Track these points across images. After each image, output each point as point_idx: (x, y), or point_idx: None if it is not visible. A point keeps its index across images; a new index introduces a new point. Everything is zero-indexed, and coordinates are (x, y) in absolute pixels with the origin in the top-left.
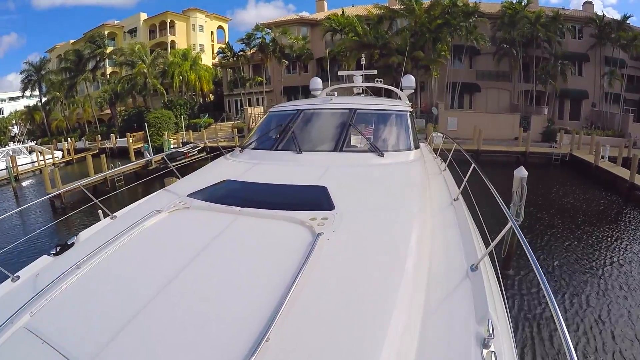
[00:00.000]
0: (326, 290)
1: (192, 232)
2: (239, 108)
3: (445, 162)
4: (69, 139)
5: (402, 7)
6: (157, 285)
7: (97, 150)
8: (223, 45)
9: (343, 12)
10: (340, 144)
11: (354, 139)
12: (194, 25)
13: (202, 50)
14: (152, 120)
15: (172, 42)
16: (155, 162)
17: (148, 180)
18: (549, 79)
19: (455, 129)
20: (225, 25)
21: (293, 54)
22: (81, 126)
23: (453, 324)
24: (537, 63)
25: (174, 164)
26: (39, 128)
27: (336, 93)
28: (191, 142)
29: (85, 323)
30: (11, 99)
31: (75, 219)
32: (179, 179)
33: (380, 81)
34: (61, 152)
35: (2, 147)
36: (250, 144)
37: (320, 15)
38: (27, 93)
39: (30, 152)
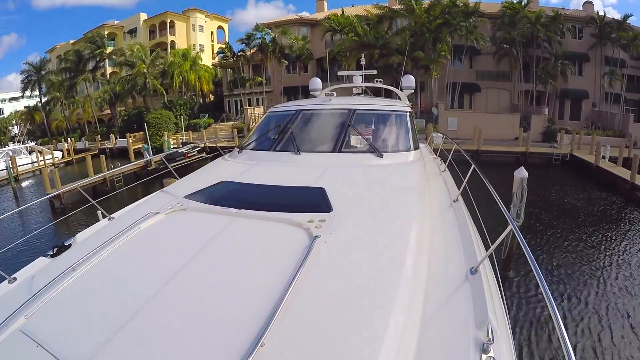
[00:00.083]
0: (323, 294)
1: (188, 234)
2: (239, 108)
3: (445, 163)
4: (68, 139)
5: (402, 6)
6: (152, 289)
7: (97, 151)
8: (223, 46)
9: (343, 12)
10: (339, 145)
11: (353, 140)
12: (193, 25)
13: (201, 50)
14: (152, 121)
15: (172, 42)
16: (154, 162)
17: (147, 181)
18: (549, 79)
19: (455, 129)
20: (225, 26)
21: (293, 54)
22: (81, 126)
23: (452, 328)
24: (537, 63)
25: (173, 164)
26: (39, 128)
27: (335, 93)
28: (191, 143)
29: (80, 326)
30: (11, 99)
31: (75, 219)
32: (178, 179)
33: (380, 81)
34: (61, 153)
35: (2, 147)
36: (249, 144)
37: (320, 15)
38: (27, 93)
39: (30, 152)
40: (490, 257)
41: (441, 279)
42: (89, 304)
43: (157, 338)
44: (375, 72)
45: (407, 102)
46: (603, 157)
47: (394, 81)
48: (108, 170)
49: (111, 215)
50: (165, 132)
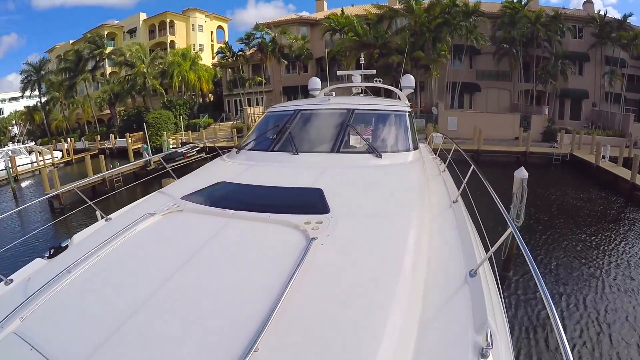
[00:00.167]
0: (318, 298)
1: (184, 236)
2: (239, 108)
3: (445, 163)
4: (68, 139)
5: (402, 6)
6: (146, 292)
7: (97, 151)
8: (223, 45)
9: (342, 11)
10: (338, 145)
11: (352, 140)
12: (193, 25)
13: (201, 49)
14: (152, 121)
15: (172, 42)
16: (154, 162)
17: (146, 181)
18: (549, 79)
19: (455, 128)
20: (225, 25)
21: (292, 53)
22: (81, 126)
23: (450, 332)
24: (537, 62)
25: (172, 164)
26: (38, 128)
27: (334, 93)
28: (190, 143)
29: (74, 329)
30: (11, 99)
31: (74, 219)
32: (176, 180)
33: (380, 81)
34: (60, 153)
35: (1, 147)
36: (247, 144)
37: (319, 15)
38: (27, 93)
39: (30, 152)
40: (490, 258)
41: (440, 282)
42: (84, 306)
43: (151, 342)
44: (374, 71)
45: (407, 102)
46: (603, 157)
47: (393, 81)
48: (107, 170)
49: (108, 216)
50: (165, 132)
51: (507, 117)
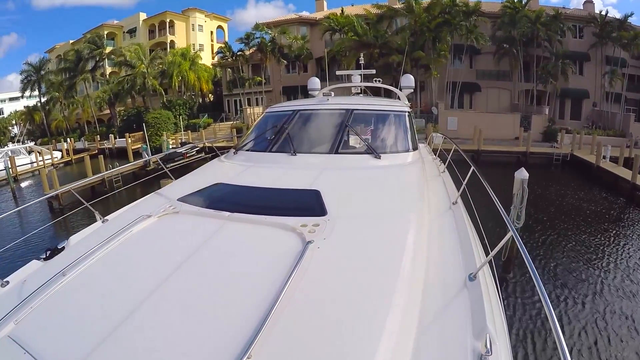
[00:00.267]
0: (313, 304)
1: (179, 239)
2: (239, 108)
3: (445, 163)
4: (68, 139)
5: (402, 5)
6: (139, 296)
7: (96, 151)
8: (222, 45)
9: (342, 11)
10: (336, 146)
11: (351, 141)
12: (193, 25)
13: (201, 49)
14: (151, 121)
15: (172, 42)
16: (153, 162)
17: (145, 181)
18: (549, 79)
19: (456, 128)
20: (224, 25)
21: (292, 53)
22: (81, 126)
23: (449, 338)
24: (537, 62)
25: (172, 164)
26: (38, 128)
27: (333, 93)
28: (190, 143)
29: (68, 333)
30: (11, 99)
31: (73, 220)
32: (174, 180)
33: (379, 81)
34: (60, 153)
35: (1, 147)
36: (245, 145)
37: (319, 15)
38: (27, 93)
39: (30, 152)
40: (490, 261)
41: (439, 286)
42: (78, 309)
43: (143, 348)
44: (374, 71)
45: (407, 102)
46: (604, 157)
47: (393, 81)
48: (107, 170)
49: (105, 218)
50: (165, 132)
51: (507, 117)
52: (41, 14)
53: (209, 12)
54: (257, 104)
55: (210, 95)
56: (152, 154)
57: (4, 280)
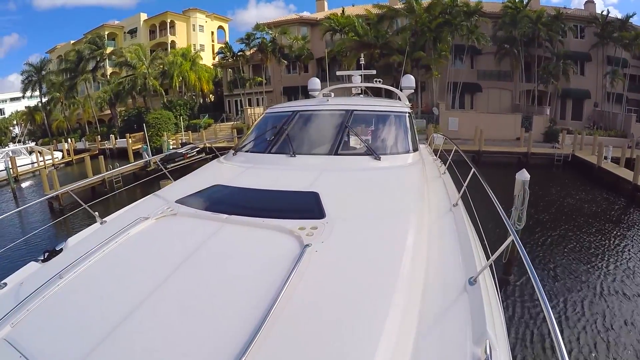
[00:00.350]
0: (312, 306)
1: (176, 241)
2: (239, 108)
3: (445, 165)
4: (69, 140)
5: (402, 5)
6: (136, 299)
7: (97, 151)
8: (223, 46)
9: (343, 11)
10: (335, 147)
11: (351, 142)
12: (194, 25)
13: (202, 49)
14: (152, 121)
15: (172, 42)
16: (153, 163)
17: (145, 182)
18: (550, 79)
19: (457, 129)
20: (225, 26)
21: (292, 54)
22: (82, 127)
23: (448, 343)
24: (538, 62)
25: (172, 165)
26: (39, 128)
27: (333, 94)
28: (190, 143)
29: (64, 336)
30: (12, 99)
31: (73, 220)
32: (173, 181)
33: (380, 81)
34: (61, 153)
35: (2, 147)
36: (244, 146)
37: (320, 15)
38: (28, 94)
39: (30, 152)
40: (490, 265)
41: (438, 290)
42: (76, 311)
43: (139, 351)
44: (374, 72)
45: (407, 103)
46: (605, 158)
47: (394, 81)
48: (107, 171)
49: (104, 219)
50: (165, 133)
51: (508, 118)
52: (42, 15)
53: (210, 13)
54: (258, 105)
55: (210, 95)
56: (153, 155)
57: (1, 282)
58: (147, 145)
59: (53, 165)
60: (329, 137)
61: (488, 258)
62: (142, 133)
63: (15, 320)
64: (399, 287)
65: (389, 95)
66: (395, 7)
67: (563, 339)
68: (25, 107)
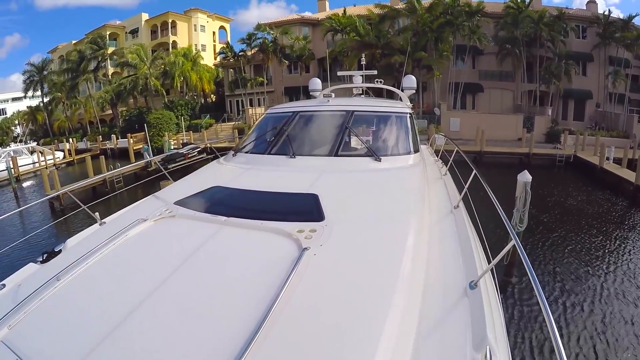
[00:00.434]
0: (310, 308)
1: (174, 244)
2: (241, 108)
3: (447, 165)
4: (70, 140)
5: (404, 5)
6: (134, 301)
7: (98, 151)
8: (224, 46)
9: (344, 11)
10: (336, 148)
11: (351, 143)
12: (195, 25)
13: (203, 50)
14: (153, 121)
15: (174, 42)
16: (154, 163)
17: (146, 182)
18: (552, 79)
19: (458, 129)
20: (227, 26)
21: (294, 54)
22: (83, 127)
23: (448, 349)
24: (540, 63)
25: (173, 165)
26: (41, 128)
27: (333, 94)
28: (191, 143)
29: (62, 338)
30: (14, 99)
31: (74, 220)
32: (172, 182)
33: (381, 81)
34: (62, 153)
35: (4, 147)
36: (244, 147)
37: (321, 15)
38: (30, 93)
39: (32, 152)
40: (491, 268)
41: (438, 293)
42: (73, 314)
43: (137, 354)
44: (375, 72)
45: (408, 103)
46: (607, 159)
47: (395, 81)
48: (108, 171)
49: (103, 220)
50: (166, 133)
51: (510, 118)
52: (44, 15)
53: (211, 13)
54: (259, 105)
55: (212, 95)
56: (154, 155)
57: (0, 283)
58: (148, 146)
59: (54, 165)
60: (329, 138)
61: (489, 260)
62: (144, 133)
63: (13, 322)
64: (399, 290)
65: (390, 95)
66: (396, 7)
67: (563, 343)
68: (27, 107)
